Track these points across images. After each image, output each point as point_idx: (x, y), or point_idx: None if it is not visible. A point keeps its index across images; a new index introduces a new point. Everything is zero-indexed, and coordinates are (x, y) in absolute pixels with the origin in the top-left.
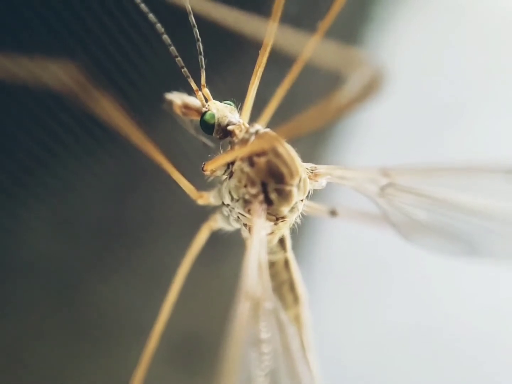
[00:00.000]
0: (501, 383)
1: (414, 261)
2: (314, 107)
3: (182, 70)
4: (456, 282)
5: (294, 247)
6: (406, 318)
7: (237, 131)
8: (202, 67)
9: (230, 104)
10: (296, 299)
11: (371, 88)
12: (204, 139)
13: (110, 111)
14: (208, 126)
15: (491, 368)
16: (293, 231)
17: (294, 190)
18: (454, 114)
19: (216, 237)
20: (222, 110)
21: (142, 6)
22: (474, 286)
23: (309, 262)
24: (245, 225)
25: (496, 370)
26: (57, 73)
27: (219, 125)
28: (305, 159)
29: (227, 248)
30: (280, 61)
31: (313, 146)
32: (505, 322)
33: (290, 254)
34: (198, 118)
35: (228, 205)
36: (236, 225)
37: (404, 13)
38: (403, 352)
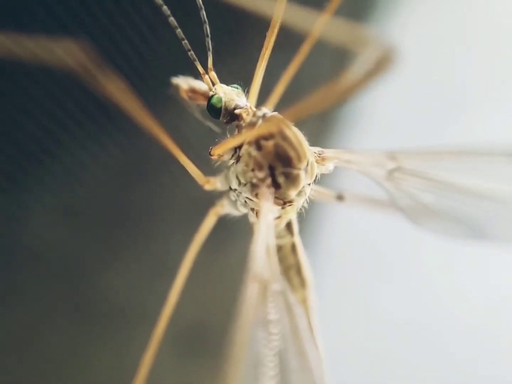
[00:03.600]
0: (500, 378)
1: (416, 251)
2: (322, 87)
3: (189, 53)
4: (456, 277)
5: (301, 233)
6: (406, 305)
7: (244, 115)
8: (209, 49)
9: (237, 88)
10: (303, 282)
11: (381, 66)
12: (210, 123)
13: (115, 91)
14: (215, 110)
15: (490, 362)
16: (300, 215)
17: (302, 173)
18: (459, 104)
19: (222, 224)
20: (229, 94)
21: None
22: (474, 281)
23: (314, 248)
24: (252, 209)
25: (495, 365)
26: (60, 53)
27: (226, 108)
28: (311, 143)
29: (233, 236)
30: (287, 46)
31: (318, 131)
32: (505, 317)
33: (297, 238)
34: (205, 102)
35: (235, 189)
36: (244, 210)
37: (409, 4)
38: (402, 339)
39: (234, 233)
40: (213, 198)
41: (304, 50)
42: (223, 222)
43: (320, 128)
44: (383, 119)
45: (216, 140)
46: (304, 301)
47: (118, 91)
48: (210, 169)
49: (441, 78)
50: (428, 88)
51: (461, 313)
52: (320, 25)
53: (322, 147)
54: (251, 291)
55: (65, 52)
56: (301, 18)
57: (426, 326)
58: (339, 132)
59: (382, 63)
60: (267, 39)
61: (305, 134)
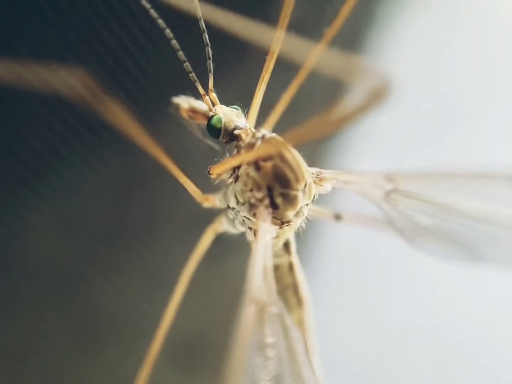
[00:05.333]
0: (501, 379)
1: (416, 266)
2: (320, 115)
3: (190, 75)
4: (458, 280)
5: (298, 251)
6: (407, 322)
7: (243, 136)
8: (210, 71)
9: (237, 109)
10: (300, 302)
11: (376, 97)
12: (210, 142)
13: (119, 117)
14: (214, 130)
15: (492, 365)
16: (297, 234)
17: (300, 194)
18: (455, 116)
19: (220, 238)
20: (228, 115)
21: (151, 11)
22: (475, 283)
23: (313, 265)
24: (250, 228)
25: (497, 367)
26: (67, 79)
27: (225, 129)
28: (308, 163)
29: (231, 249)
30: (287, 66)
31: (313, 149)
32: (506, 319)
33: (294, 258)
34: (205, 122)
35: (233, 208)
36: (241, 229)
37: (406, 17)
38: (406, 353)
39: (232, 247)
40: (213, 210)
41: (303, 73)
42: (222, 235)
43: (317, 148)
44: (379, 136)
45: (216, 159)
46: (301, 322)
47: (121, 117)
48: (211, 183)
49: (435, 95)
50: (422, 103)
51: (463, 316)
52: (317, 55)
53: (320, 167)
54: (248, 314)
55: (70, 78)
56: (299, 47)
57: (427, 330)
58: (336, 151)
59: (378, 94)
60: (266, 63)
61: (303, 156)
